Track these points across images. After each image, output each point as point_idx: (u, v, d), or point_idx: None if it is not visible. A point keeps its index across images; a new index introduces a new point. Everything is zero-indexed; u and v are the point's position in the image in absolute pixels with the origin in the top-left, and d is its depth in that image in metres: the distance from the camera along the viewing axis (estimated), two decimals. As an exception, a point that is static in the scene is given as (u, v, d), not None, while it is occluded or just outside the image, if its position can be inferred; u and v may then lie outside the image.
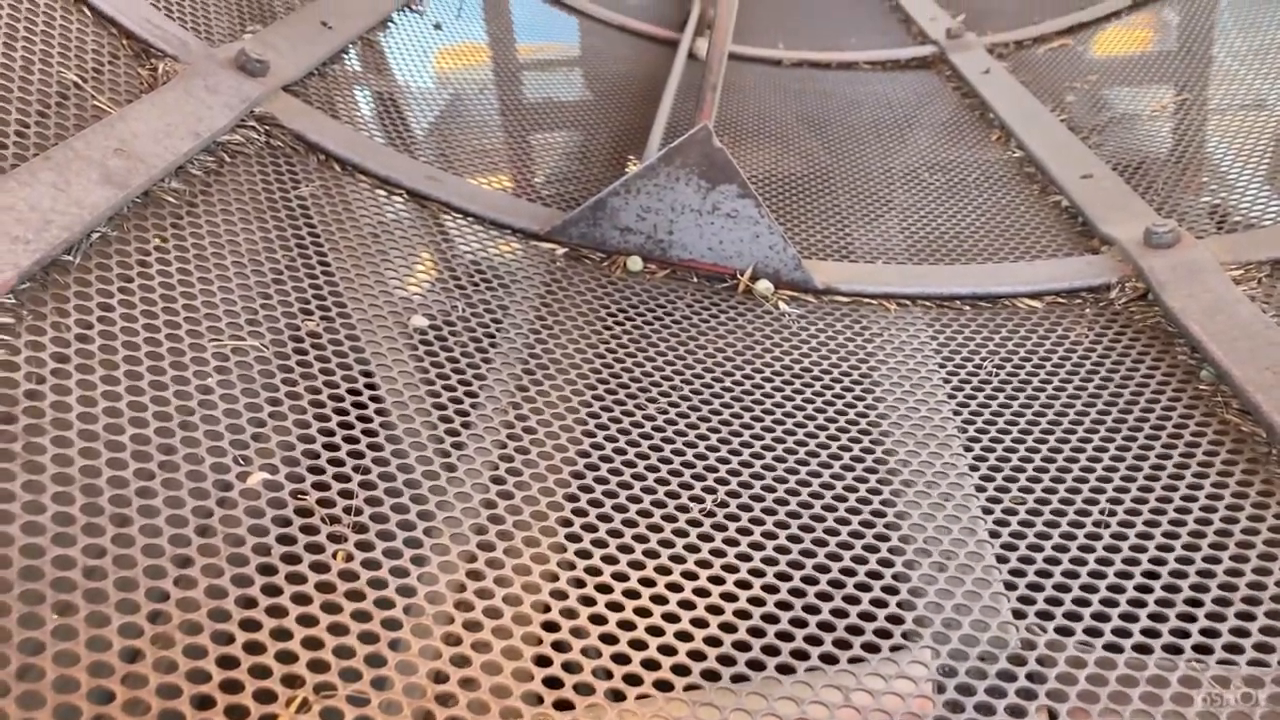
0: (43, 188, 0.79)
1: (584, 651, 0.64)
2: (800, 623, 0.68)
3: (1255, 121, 1.51)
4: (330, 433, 0.76)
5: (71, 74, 0.96)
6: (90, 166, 0.84)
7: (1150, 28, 1.94)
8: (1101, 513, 0.79)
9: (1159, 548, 0.75)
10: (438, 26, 1.61)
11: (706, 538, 0.75)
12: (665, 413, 0.89)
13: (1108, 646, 0.67)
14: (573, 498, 0.77)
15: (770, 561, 0.73)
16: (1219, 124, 1.56)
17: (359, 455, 0.75)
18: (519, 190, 1.27)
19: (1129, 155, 1.43)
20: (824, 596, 0.70)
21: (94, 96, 0.96)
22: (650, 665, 0.63)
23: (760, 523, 0.77)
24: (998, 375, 0.98)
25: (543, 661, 0.63)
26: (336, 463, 0.74)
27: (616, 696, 0.62)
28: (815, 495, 0.81)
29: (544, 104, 1.61)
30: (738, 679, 0.63)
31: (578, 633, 0.66)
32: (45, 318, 0.73)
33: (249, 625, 0.59)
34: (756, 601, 0.70)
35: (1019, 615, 0.69)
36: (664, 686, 0.63)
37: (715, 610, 0.69)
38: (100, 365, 0.72)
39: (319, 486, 0.71)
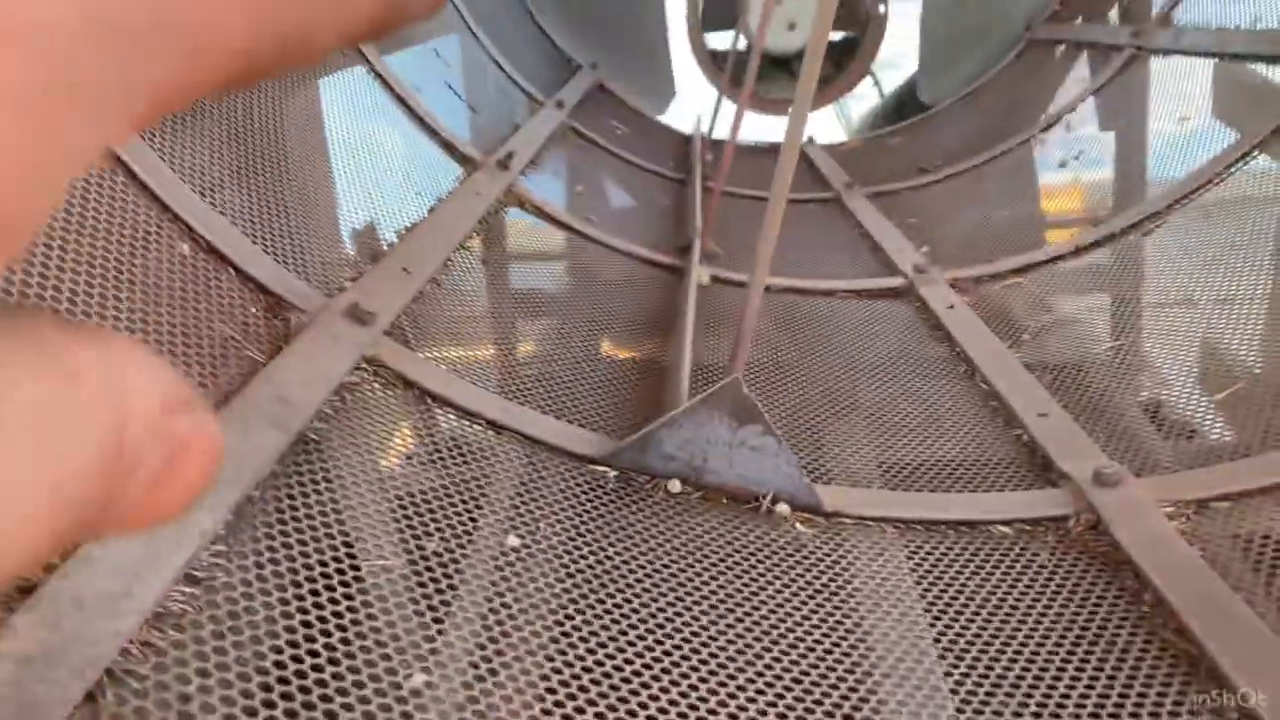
0: (233, 435, 1.00)
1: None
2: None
3: (1190, 363, 1.79)
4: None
5: (229, 329, 1.18)
6: (262, 414, 1.05)
7: (1094, 271, 2.25)
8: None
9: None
10: None
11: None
12: (690, 610, 1.09)
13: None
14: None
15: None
16: (1157, 365, 1.84)
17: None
18: (569, 415, 1.49)
19: (1078, 393, 1.69)
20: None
21: (247, 348, 1.17)
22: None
23: None
24: (977, 594, 1.19)
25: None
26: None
27: None
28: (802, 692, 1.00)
29: (577, 332, 1.86)
30: None
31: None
32: (246, 544, 0.92)
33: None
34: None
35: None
36: None
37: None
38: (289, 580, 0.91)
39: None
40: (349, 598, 0.94)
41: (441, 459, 1.23)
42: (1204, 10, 2.95)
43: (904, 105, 5.08)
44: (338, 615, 0.91)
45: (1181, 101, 2.69)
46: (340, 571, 0.96)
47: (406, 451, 1.22)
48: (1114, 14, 3.59)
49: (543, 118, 3.01)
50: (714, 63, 4.67)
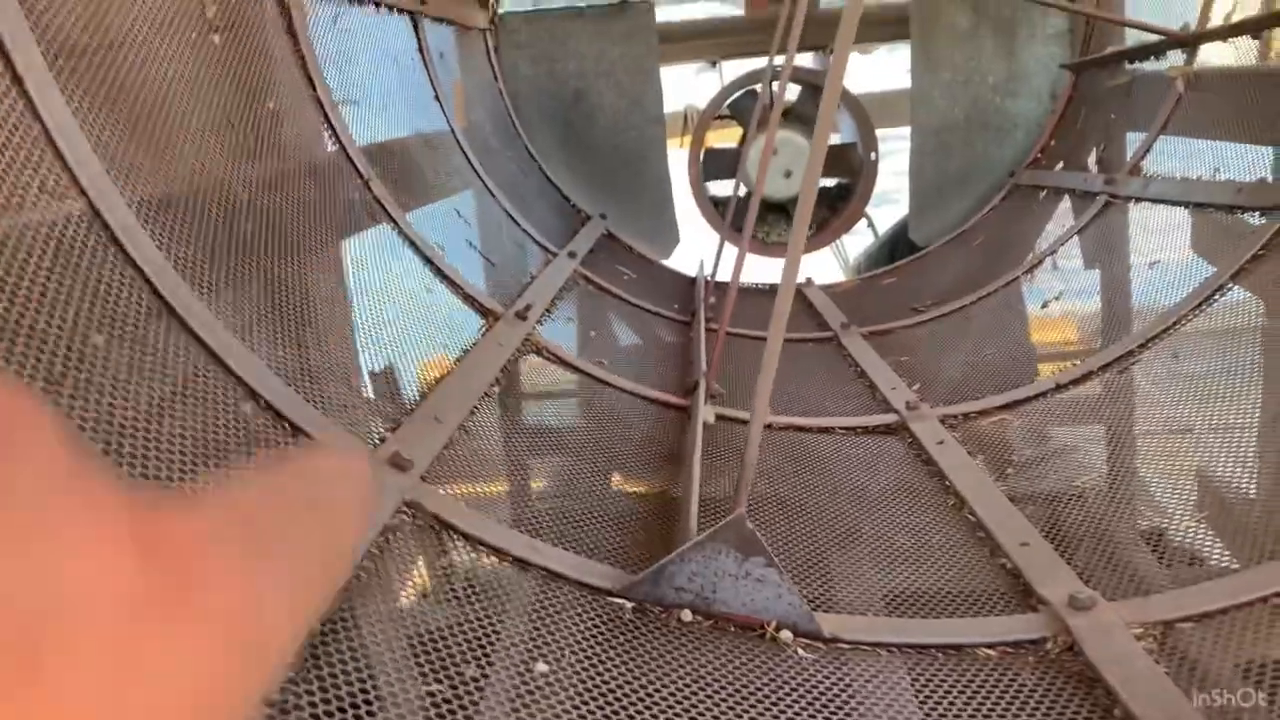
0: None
1: None
2: None
3: (1167, 491, 1.93)
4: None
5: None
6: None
7: (1075, 406, 2.40)
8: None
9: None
10: None
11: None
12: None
13: None
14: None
15: None
16: (1135, 494, 1.98)
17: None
18: (587, 549, 1.62)
19: (1058, 524, 1.82)
20: None
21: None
22: None
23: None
24: (964, 713, 1.31)
25: None
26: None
27: None
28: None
29: (592, 469, 2.01)
30: None
31: None
32: (311, 677, 1.05)
33: None
34: None
35: None
36: None
37: None
38: None
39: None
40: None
41: (474, 592, 1.36)
42: (1172, 158, 3.18)
43: (897, 243, 5.32)
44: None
45: (1160, 238, 2.88)
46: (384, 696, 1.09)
47: (442, 586, 1.36)
48: (1092, 159, 3.84)
49: (556, 267, 3.22)
50: (716, 209, 4.94)
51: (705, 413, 2.32)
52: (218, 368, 1.41)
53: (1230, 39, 2.88)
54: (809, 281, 4.45)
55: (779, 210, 4.96)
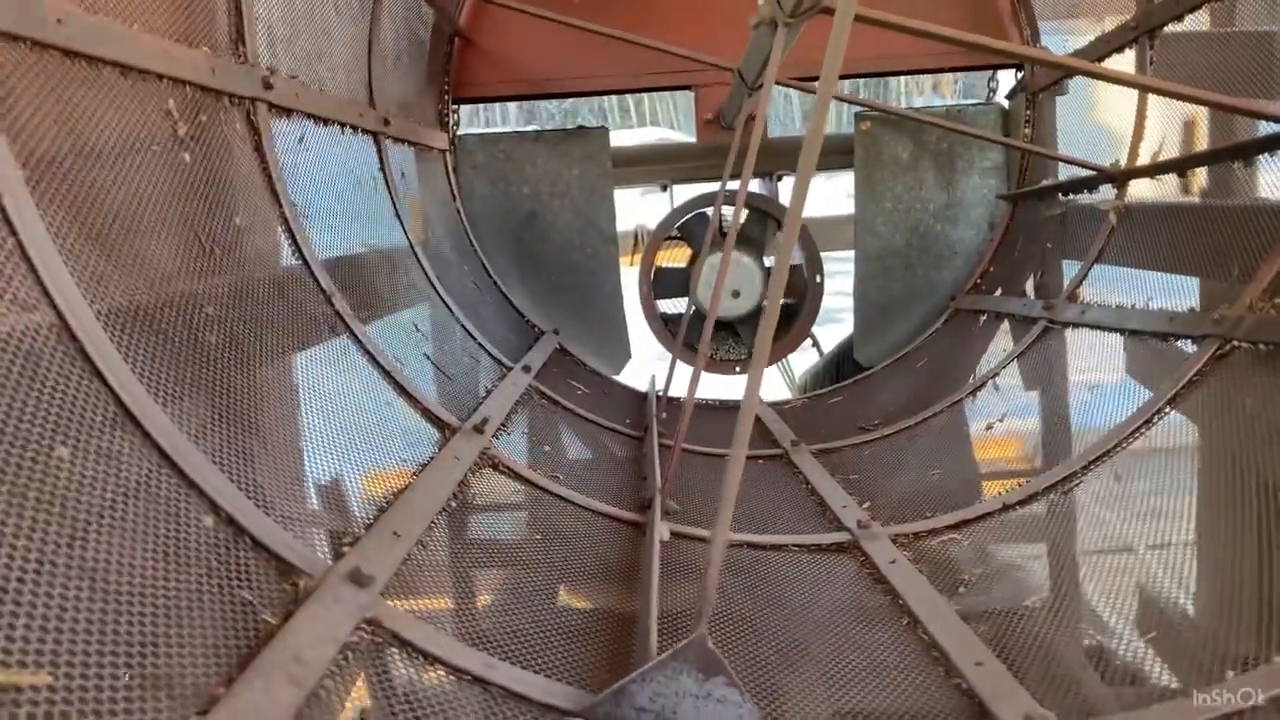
0: (257, 691, 1.12)
1: None
2: None
3: (1118, 608, 1.97)
4: None
5: (248, 594, 1.31)
6: (282, 673, 1.18)
7: (1021, 525, 2.45)
8: None
9: None
10: None
11: None
12: None
13: None
14: None
15: None
16: (1085, 611, 2.02)
17: None
18: (545, 666, 1.61)
19: (1008, 642, 1.84)
20: None
21: (263, 611, 1.31)
22: None
23: None
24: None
25: None
26: None
27: None
28: None
29: (548, 583, 2.00)
30: None
31: None
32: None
33: None
34: None
35: None
36: None
37: None
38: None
39: None
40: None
41: (433, 713, 1.34)
42: (1106, 285, 3.32)
43: (842, 362, 5.44)
44: None
45: (1098, 362, 2.99)
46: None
47: (401, 706, 1.34)
48: (1029, 285, 3.99)
49: (511, 381, 3.25)
50: (665, 327, 5.03)
51: (660, 529, 2.33)
52: (178, 478, 1.40)
53: (1157, 176, 3.04)
54: (759, 400, 4.52)
55: (727, 328, 5.06)
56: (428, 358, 2.91)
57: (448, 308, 3.48)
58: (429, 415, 2.44)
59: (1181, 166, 2.92)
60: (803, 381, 6.40)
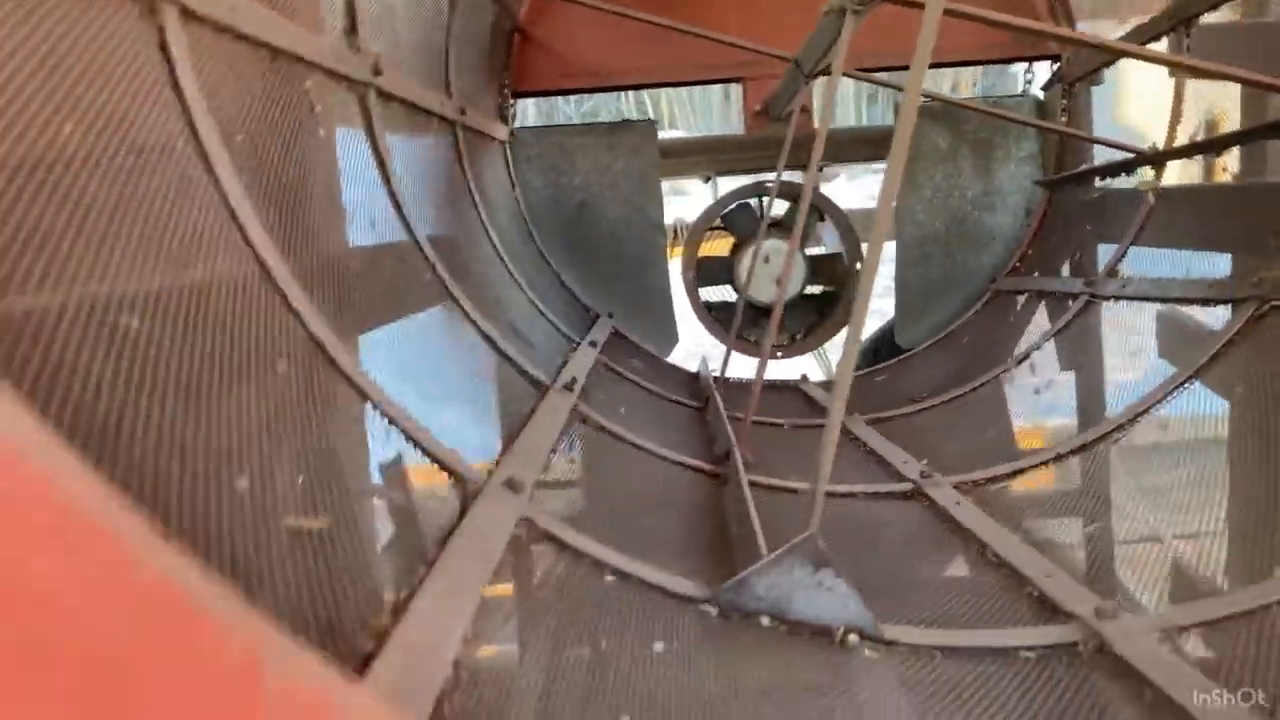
0: (462, 558, 1.34)
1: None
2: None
3: (1157, 533, 2.17)
4: None
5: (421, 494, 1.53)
6: (472, 549, 1.39)
7: (1071, 472, 2.66)
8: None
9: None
10: None
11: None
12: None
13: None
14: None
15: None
16: (1131, 536, 2.23)
17: None
18: (675, 568, 1.82)
19: (1075, 561, 2.05)
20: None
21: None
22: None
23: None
24: (1010, 701, 1.51)
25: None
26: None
27: None
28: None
29: (650, 509, 2.22)
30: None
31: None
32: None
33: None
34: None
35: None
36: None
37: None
38: None
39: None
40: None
41: (586, 598, 1.56)
42: (1143, 264, 3.52)
43: (879, 347, 5.64)
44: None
45: (1135, 333, 3.19)
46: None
47: (556, 590, 1.56)
48: (1066, 268, 4.19)
49: (581, 354, 3.47)
50: (709, 314, 5.25)
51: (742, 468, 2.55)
52: (360, 397, 1.62)
53: (1193, 156, 3.24)
54: (804, 378, 4.73)
55: (769, 314, 5.26)
56: (512, 327, 3.13)
57: (520, 288, 3.71)
58: (524, 374, 2.66)
59: (1220, 146, 3.12)
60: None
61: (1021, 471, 2.67)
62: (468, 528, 1.46)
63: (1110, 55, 3.59)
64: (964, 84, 12.31)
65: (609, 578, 1.66)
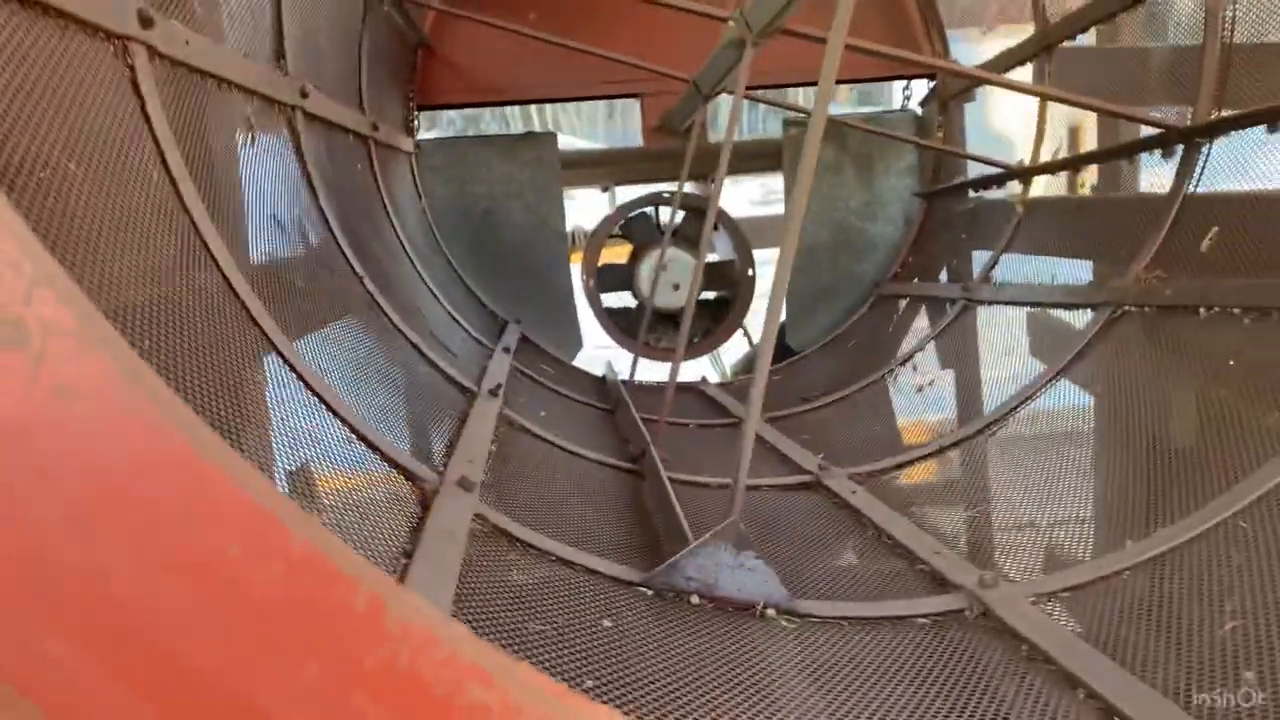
0: (432, 560, 1.50)
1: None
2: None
3: (1032, 513, 2.45)
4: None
5: (394, 489, 1.69)
6: (443, 539, 1.55)
7: (952, 462, 2.94)
8: None
9: None
10: None
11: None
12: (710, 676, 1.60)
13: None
14: None
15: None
16: (1005, 517, 2.50)
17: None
18: (610, 555, 2.01)
19: (958, 540, 2.30)
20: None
21: (408, 503, 1.68)
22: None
23: None
24: (910, 659, 1.75)
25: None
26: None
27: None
28: None
29: (578, 505, 2.40)
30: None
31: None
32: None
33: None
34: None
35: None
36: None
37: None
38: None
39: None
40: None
41: (537, 583, 1.73)
42: (1014, 272, 3.85)
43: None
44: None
45: (1008, 334, 3.51)
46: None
47: (511, 577, 1.72)
48: (944, 274, 4.52)
49: (497, 360, 3.63)
50: (609, 318, 5.43)
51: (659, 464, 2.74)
52: (317, 400, 1.77)
53: (1056, 173, 3.58)
54: (703, 380, 4.97)
55: (668, 319, 5.48)
56: (433, 335, 3.27)
57: (434, 296, 3.84)
58: (453, 381, 2.81)
59: (1078, 164, 3.46)
60: (734, 370, 6.87)
61: (911, 463, 2.93)
62: (434, 522, 1.62)
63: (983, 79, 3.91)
64: (842, 95, 12.78)
65: (554, 564, 1.84)
